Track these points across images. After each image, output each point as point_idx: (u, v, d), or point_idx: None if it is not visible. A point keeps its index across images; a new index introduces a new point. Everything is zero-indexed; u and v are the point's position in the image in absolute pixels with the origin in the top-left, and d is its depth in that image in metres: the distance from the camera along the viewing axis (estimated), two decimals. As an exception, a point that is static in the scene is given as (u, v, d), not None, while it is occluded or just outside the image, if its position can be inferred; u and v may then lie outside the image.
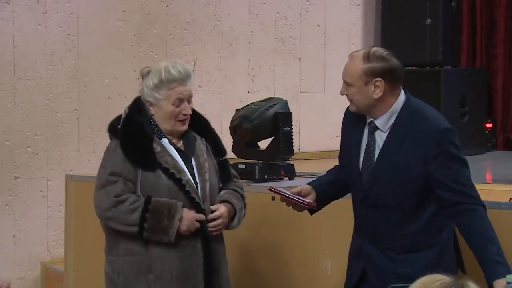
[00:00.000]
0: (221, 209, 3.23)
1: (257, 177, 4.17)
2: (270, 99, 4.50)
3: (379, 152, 3.06)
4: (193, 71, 6.04)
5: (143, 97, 3.24)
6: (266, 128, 4.26)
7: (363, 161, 3.10)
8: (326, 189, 3.28)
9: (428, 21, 6.08)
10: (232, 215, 3.28)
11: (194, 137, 3.30)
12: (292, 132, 4.34)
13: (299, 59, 6.37)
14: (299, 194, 3.16)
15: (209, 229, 3.18)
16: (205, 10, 6.09)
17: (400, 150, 3.03)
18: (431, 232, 3.06)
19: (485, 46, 6.64)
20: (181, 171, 3.17)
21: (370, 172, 3.07)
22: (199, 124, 3.33)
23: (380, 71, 3.02)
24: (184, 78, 3.20)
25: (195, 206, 3.19)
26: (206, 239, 3.21)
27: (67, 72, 5.69)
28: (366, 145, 3.10)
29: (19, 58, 5.54)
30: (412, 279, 3.04)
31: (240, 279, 3.71)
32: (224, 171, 3.35)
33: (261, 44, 6.18)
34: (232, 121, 4.33)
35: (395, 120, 3.06)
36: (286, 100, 4.47)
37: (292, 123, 4.36)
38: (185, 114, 3.21)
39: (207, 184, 3.24)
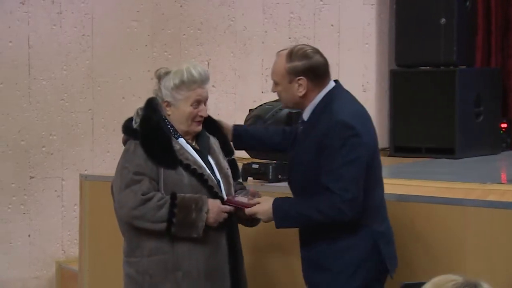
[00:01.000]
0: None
1: (270, 177, 4.17)
2: (283, 99, 4.50)
3: (297, 139, 3.23)
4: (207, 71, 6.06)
5: (160, 97, 3.26)
6: (279, 128, 4.27)
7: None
8: (250, 130, 3.54)
9: (443, 20, 6.06)
10: None
11: (207, 136, 3.33)
12: (306, 132, 4.34)
13: (313, 59, 6.36)
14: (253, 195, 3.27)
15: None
16: (219, 10, 6.10)
17: (306, 142, 3.14)
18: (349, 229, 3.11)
19: (500, 45, 6.62)
20: (201, 166, 3.20)
21: (288, 161, 3.27)
22: (208, 124, 3.36)
23: (302, 70, 3.10)
24: (204, 80, 3.24)
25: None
26: (231, 234, 3.24)
27: (81, 72, 5.72)
28: (299, 134, 3.25)
29: (34, 58, 5.57)
30: (319, 264, 3.10)
31: (252, 278, 3.71)
32: (234, 170, 3.39)
33: (274, 44, 6.18)
34: (245, 121, 4.33)
35: (311, 113, 3.16)
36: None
37: (306, 123, 4.36)
38: (201, 116, 3.24)
39: (231, 181, 3.30)
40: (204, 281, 3.17)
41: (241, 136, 3.45)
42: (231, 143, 3.43)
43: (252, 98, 5.89)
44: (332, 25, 6.44)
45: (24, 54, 5.54)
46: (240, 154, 3.67)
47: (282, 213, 3.12)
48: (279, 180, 4.20)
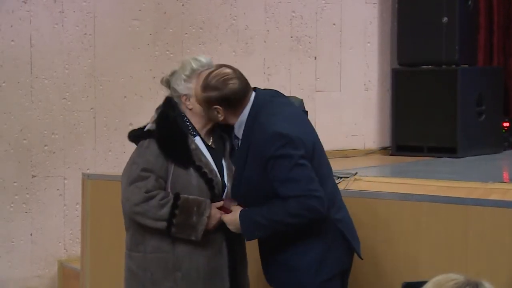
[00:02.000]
0: None
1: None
2: (285, 98, 4.50)
3: (236, 156, 3.25)
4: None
5: (177, 95, 3.27)
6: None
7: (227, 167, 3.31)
8: None
9: (445, 19, 6.05)
10: None
11: (223, 136, 3.34)
12: (308, 131, 4.34)
13: (315, 58, 6.36)
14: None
15: None
16: (221, 9, 6.09)
17: (247, 159, 3.15)
18: (298, 238, 3.14)
19: (502, 45, 6.61)
20: (212, 171, 3.21)
21: (234, 175, 3.26)
22: (223, 125, 3.36)
23: (215, 100, 3.14)
24: (211, 64, 3.29)
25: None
26: (230, 239, 3.24)
27: (83, 71, 5.72)
28: (235, 151, 3.28)
29: (36, 57, 5.58)
30: (283, 263, 3.12)
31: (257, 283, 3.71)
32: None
33: (276, 43, 6.18)
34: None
35: (243, 130, 3.18)
36: (302, 99, 4.46)
37: (308, 122, 4.36)
38: None
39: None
40: (203, 283, 3.17)
41: None
42: None
43: (254, 97, 5.88)
44: (334, 24, 6.44)
45: (26, 53, 5.55)
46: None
47: (251, 223, 3.13)
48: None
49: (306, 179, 3.07)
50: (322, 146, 3.29)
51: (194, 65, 3.24)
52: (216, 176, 3.21)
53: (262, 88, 3.38)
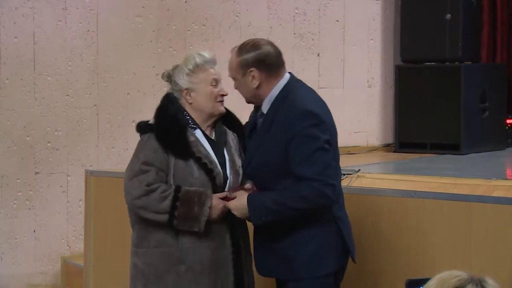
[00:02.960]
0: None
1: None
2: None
3: (257, 132, 3.24)
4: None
5: (177, 89, 3.27)
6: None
7: (249, 143, 3.28)
8: None
9: (448, 16, 6.04)
10: None
11: (225, 130, 3.34)
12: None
13: (318, 55, 6.36)
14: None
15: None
16: (224, 6, 6.09)
17: (268, 135, 3.16)
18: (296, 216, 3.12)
19: (505, 41, 6.59)
20: (212, 162, 3.21)
21: (249, 149, 3.26)
22: (229, 119, 3.37)
23: (252, 61, 3.17)
24: (214, 61, 3.30)
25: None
26: (235, 230, 3.24)
27: (86, 68, 5.72)
28: (255, 130, 3.27)
29: (40, 54, 5.58)
30: (282, 254, 3.09)
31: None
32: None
33: (279, 40, 6.17)
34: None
35: (272, 103, 3.19)
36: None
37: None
38: (223, 95, 3.29)
39: (239, 179, 3.28)
40: (207, 275, 3.18)
41: None
42: None
43: (257, 93, 5.88)
44: (337, 21, 6.43)
45: (29, 50, 5.55)
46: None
47: (260, 208, 3.12)
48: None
49: (325, 165, 3.07)
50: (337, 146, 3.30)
51: (198, 60, 3.25)
52: (216, 167, 3.21)
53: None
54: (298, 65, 6.19)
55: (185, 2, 5.99)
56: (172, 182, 3.17)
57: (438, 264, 3.55)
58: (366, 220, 3.70)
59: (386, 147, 6.45)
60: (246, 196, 3.15)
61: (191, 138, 3.21)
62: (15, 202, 5.57)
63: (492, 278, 1.97)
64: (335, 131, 3.23)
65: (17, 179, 5.56)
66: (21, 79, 5.54)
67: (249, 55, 3.18)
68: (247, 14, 6.15)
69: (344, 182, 3.87)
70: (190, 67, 3.25)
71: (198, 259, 3.17)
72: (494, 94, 6.14)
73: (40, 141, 5.61)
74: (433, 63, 6.15)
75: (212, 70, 3.27)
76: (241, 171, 3.28)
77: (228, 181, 3.24)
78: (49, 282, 5.68)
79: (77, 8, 5.67)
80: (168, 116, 3.23)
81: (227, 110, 3.36)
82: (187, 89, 3.25)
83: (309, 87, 3.31)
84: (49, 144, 5.64)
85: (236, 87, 3.27)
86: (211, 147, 3.26)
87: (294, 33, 6.26)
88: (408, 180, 4.18)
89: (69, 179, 5.70)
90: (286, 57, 3.35)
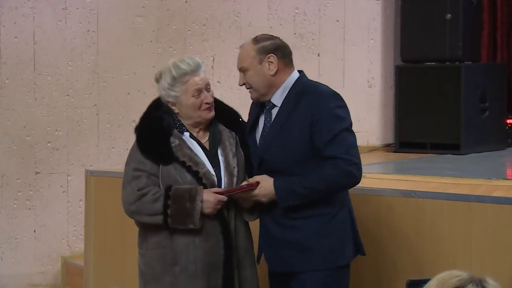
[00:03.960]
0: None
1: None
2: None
3: (272, 122, 3.24)
4: (212, 66, 6.06)
5: (163, 99, 3.26)
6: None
7: (261, 135, 3.27)
8: None
9: (448, 16, 6.04)
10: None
11: (220, 131, 3.31)
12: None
13: (318, 55, 6.36)
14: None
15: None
16: (224, 6, 6.09)
17: (289, 118, 3.18)
18: (321, 199, 3.15)
19: (505, 41, 6.60)
20: (198, 163, 3.19)
21: (263, 139, 3.25)
22: (227, 117, 3.35)
23: (270, 48, 3.22)
24: (194, 69, 3.23)
25: None
26: (229, 231, 3.23)
27: (87, 68, 5.72)
28: (264, 122, 3.27)
29: (40, 54, 5.58)
30: (301, 246, 3.11)
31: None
32: (249, 165, 3.33)
33: (280, 40, 6.18)
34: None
35: (287, 94, 3.21)
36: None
37: (311, 119, 4.35)
38: (207, 103, 3.24)
39: (234, 180, 3.25)
40: (201, 276, 3.17)
41: None
42: None
43: (257, 93, 5.88)
44: (337, 21, 6.43)
45: (30, 50, 5.55)
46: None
47: (287, 192, 3.13)
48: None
49: (350, 144, 3.12)
50: None
51: (175, 73, 3.20)
52: (203, 168, 3.19)
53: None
54: (298, 65, 6.13)
55: (185, 2, 5.99)
56: (162, 187, 3.18)
57: (438, 264, 3.55)
58: (366, 220, 3.69)
59: (386, 147, 6.45)
60: (272, 182, 3.15)
61: (175, 142, 3.19)
62: (15, 202, 5.57)
63: (492, 278, 1.97)
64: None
65: (17, 179, 5.56)
66: (21, 79, 5.54)
67: (267, 43, 3.23)
68: (247, 14, 6.15)
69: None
70: (168, 80, 3.20)
71: (191, 260, 3.17)
72: (494, 94, 6.15)
73: (40, 141, 5.61)
74: (433, 63, 6.15)
75: (192, 80, 3.20)
76: (235, 172, 3.25)
77: (222, 182, 3.23)
78: (49, 282, 5.68)
79: (77, 8, 5.68)
80: (150, 123, 3.23)
81: (225, 106, 3.34)
82: (169, 101, 3.24)
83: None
84: (49, 144, 5.64)
85: (247, 78, 3.24)
86: (203, 148, 3.24)
87: (294, 33, 6.26)
88: (408, 180, 4.19)
89: (69, 179, 5.70)
90: (286, 57, 3.35)
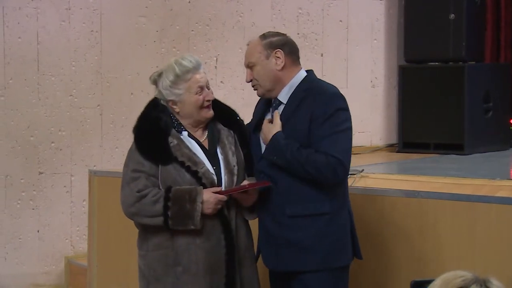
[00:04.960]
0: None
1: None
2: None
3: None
4: (215, 67, 6.06)
5: (163, 98, 3.25)
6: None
7: None
8: None
9: (452, 16, 6.04)
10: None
11: (219, 129, 3.31)
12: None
13: (321, 55, 6.36)
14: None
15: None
16: (227, 6, 6.09)
17: (293, 116, 3.20)
18: (322, 198, 3.17)
19: (509, 41, 6.59)
20: (197, 163, 3.18)
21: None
22: (225, 115, 3.35)
23: (278, 43, 3.26)
24: (196, 66, 3.24)
25: None
26: (229, 232, 3.22)
27: (90, 68, 5.73)
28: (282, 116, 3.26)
29: (43, 54, 5.59)
30: (301, 245, 3.11)
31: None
32: (248, 164, 3.34)
33: (283, 40, 6.18)
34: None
35: (293, 91, 3.23)
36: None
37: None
38: (208, 100, 3.24)
39: (235, 179, 3.25)
40: (203, 276, 3.17)
41: None
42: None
43: (261, 94, 5.88)
44: (340, 21, 6.43)
45: (33, 50, 5.56)
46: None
47: (276, 148, 3.17)
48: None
49: (343, 147, 3.15)
50: None
51: (178, 71, 3.20)
52: (203, 167, 3.18)
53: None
54: (302, 65, 6.18)
55: (189, 2, 5.99)
56: (161, 187, 3.18)
57: (442, 264, 3.55)
58: (369, 220, 3.69)
59: (390, 147, 6.45)
60: (275, 131, 3.18)
61: (174, 142, 3.19)
62: (19, 202, 5.58)
63: (497, 278, 1.96)
64: None
65: (21, 179, 5.57)
66: (25, 79, 5.55)
67: (275, 38, 3.26)
68: (251, 14, 6.15)
69: (348, 182, 3.87)
70: (171, 78, 3.20)
71: (193, 261, 3.17)
72: (498, 94, 6.13)
73: (44, 141, 5.61)
74: (436, 63, 6.14)
75: (194, 77, 3.21)
76: (235, 170, 3.25)
77: (222, 181, 3.23)
78: (52, 282, 5.69)
79: (81, 8, 5.68)
80: (147, 123, 3.23)
81: (222, 104, 3.34)
82: (171, 100, 3.24)
83: None
84: (52, 144, 5.65)
85: (254, 74, 3.25)
86: (201, 147, 3.24)
87: (298, 33, 6.26)
88: (412, 180, 4.18)
89: (72, 179, 5.71)
90: (290, 57, 3.35)
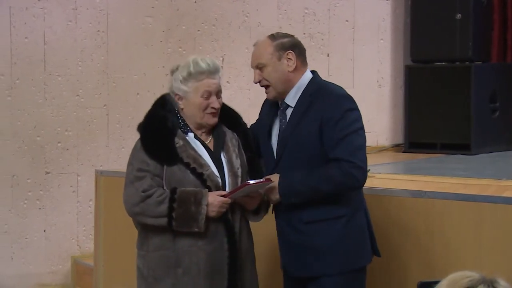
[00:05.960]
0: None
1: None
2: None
3: (287, 123, 3.23)
4: (222, 67, 6.06)
5: (172, 91, 3.25)
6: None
7: (278, 136, 3.26)
8: None
9: (458, 16, 6.03)
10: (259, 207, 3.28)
11: (224, 132, 3.29)
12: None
13: (328, 55, 6.35)
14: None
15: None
16: (234, 6, 6.10)
17: (302, 119, 3.18)
18: (338, 202, 3.15)
19: (516, 41, 6.57)
20: (203, 165, 3.17)
21: (279, 141, 3.24)
22: (229, 118, 3.34)
23: (289, 44, 3.25)
24: (212, 71, 3.21)
25: None
26: (232, 234, 3.22)
27: (96, 68, 5.74)
28: (279, 124, 3.27)
29: (50, 54, 5.60)
30: (322, 250, 3.10)
31: (270, 274, 3.71)
32: (251, 167, 3.33)
33: (289, 40, 6.18)
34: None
35: (301, 94, 3.22)
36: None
37: (321, 119, 4.35)
38: (214, 108, 3.21)
39: (239, 181, 3.23)
40: (203, 279, 3.15)
41: None
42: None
43: (267, 94, 5.88)
44: (347, 21, 6.43)
45: (40, 50, 5.57)
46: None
47: (288, 188, 3.14)
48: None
49: (357, 147, 3.12)
50: None
51: (192, 69, 3.19)
52: (208, 169, 3.17)
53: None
54: (308, 65, 6.18)
55: (195, 2, 6.00)
56: (166, 188, 3.16)
57: (448, 264, 3.54)
58: (376, 220, 3.69)
59: (396, 147, 6.44)
60: (278, 177, 3.15)
61: (180, 143, 3.17)
62: (26, 202, 5.59)
63: (503, 279, 1.96)
64: None
65: (28, 179, 5.58)
66: (32, 79, 5.56)
67: (286, 39, 3.25)
68: (257, 14, 6.16)
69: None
70: (184, 74, 3.19)
71: (194, 263, 3.15)
72: (504, 94, 6.12)
73: (51, 141, 5.62)
74: (443, 63, 6.14)
75: (206, 81, 3.19)
76: (239, 173, 3.23)
77: (226, 184, 3.21)
78: (59, 282, 5.70)
79: (87, 9, 5.69)
80: (155, 122, 3.21)
81: (226, 107, 3.31)
82: (178, 95, 3.24)
83: None
84: (59, 144, 5.66)
85: (264, 75, 3.22)
86: (207, 149, 3.23)
87: (304, 33, 6.26)
88: (418, 180, 4.18)
89: (79, 179, 5.72)
90: (296, 58, 3.34)
